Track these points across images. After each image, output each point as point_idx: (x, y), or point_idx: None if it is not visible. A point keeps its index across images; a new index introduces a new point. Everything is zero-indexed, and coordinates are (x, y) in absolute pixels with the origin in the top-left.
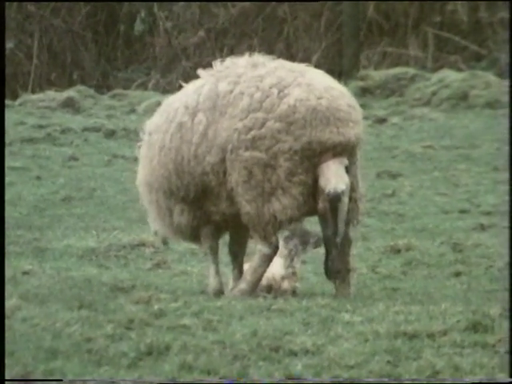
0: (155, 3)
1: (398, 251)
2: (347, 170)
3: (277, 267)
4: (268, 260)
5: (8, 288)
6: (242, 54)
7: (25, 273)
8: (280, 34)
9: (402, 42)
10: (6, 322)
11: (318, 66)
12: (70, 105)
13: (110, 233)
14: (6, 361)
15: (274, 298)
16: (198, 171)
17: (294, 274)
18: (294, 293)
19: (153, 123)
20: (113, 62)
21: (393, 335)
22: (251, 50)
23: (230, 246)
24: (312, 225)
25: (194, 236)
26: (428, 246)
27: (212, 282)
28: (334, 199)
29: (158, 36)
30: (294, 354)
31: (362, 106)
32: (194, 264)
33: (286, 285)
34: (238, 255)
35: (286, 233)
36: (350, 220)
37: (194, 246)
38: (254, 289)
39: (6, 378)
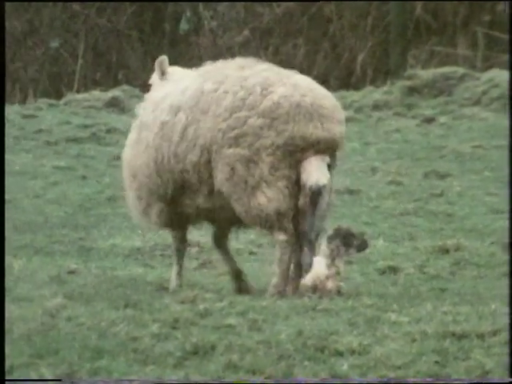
0: (200, 3)
1: (447, 251)
2: (329, 167)
3: (321, 266)
4: (289, 246)
5: (53, 287)
6: (287, 53)
7: (70, 272)
8: (325, 33)
9: (451, 41)
10: (51, 320)
11: (363, 65)
12: (115, 104)
13: (155, 232)
14: (51, 360)
15: (319, 298)
16: (177, 169)
17: (337, 273)
18: (338, 292)
19: (144, 117)
20: None
21: (441, 335)
22: (296, 49)
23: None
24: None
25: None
26: (477, 246)
27: (172, 283)
28: (315, 193)
29: (203, 35)
30: (339, 353)
31: (409, 105)
32: (238, 264)
33: (330, 284)
34: (223, 248)
35: (330, 232)
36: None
37: (237, 246)
38: (286, 278)
39: (50, 376)
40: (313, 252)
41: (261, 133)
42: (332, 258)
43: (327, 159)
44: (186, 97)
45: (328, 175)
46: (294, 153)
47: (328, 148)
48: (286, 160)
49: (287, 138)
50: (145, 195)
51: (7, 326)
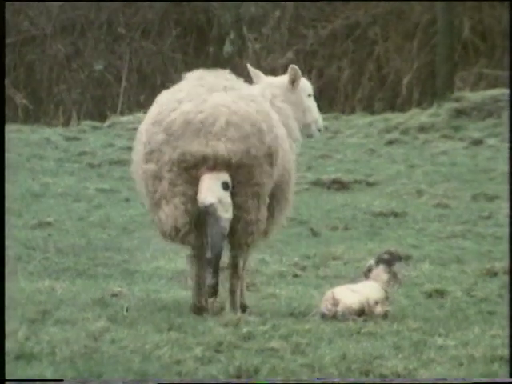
0: (244, 25)
1: (495, 274)
2: (226, 185)
3: (372, 291)
4: (193, 259)
5: (96, 310)
6: (331, 75)
7: (113, 295)
8: (370, 55)
9: (500, 63)
10: (94, 343)
11: (409, 87)
12: None
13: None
14: (94, 383)
15: (364, 322)
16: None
17: (387, 298)
18: (384, 316)
19: None
20: None
21: (489, 359)
22: (340, 71)
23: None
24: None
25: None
26: None
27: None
28: (203, 212)
29: (247, 58)
30: (384, 377)
31: (457, 127)
32: (282, 286)
33: (378, 309)
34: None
35: (385, 256)
36: (238, 243)
37: (281, 268)
38: (197, 290)
39: None
40: (214, 272)
41: (163, 148)
42: (399, 282)
43: (223, 177)
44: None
45: (219, 194)
46: (189, 169)
47: (219, 165)
48: (182, 176)
49: (179, 155)
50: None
51: (50, 348)
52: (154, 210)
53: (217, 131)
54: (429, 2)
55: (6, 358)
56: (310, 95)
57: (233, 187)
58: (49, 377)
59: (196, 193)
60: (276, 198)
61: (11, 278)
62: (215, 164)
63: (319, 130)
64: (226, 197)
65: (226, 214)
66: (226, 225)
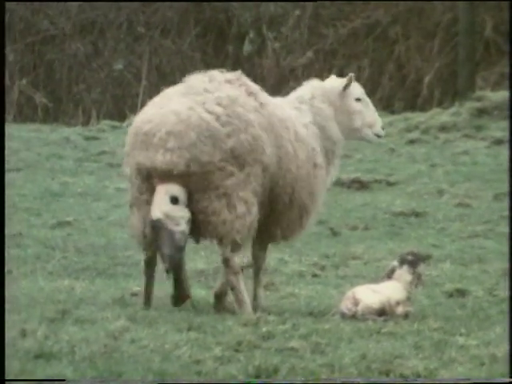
0: (264, 24)
1: None
2: (174, 199)
3: (394, 291)
4: (144, 265)
5: (116, 309)
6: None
7: (133, 294)
8: (391, 54)
9: None
10: (114, 343)
11: (430, 86)
12: None
13: (218, 254)
14: (114, 382)
15: (384, 321)
16: None
17: (408, 298)
18: (405, 316)
19: None
20: None
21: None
22: (360, 70)
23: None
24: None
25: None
26: None
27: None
28: (151, 226)
29: (267, 57)
30: (404, 377)
31: (478, 127)
32: (301, 286)
33: (400, 310)
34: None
35: (408, 257)
36: (224, 243)
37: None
38: (146, 293)
39: None
40: (175, 283)
41: (130, 154)
42: (421, 283)
43: (172, 189)
44: None
45: (166, 208)
46: (146, 178)
47: (167, 177)
48: (144, 184)
49: (135, 164)
50: None
51: (69, 347)
52: (130, 208)
53: (156, 143)
54: (450, 1)
55: (26, 357)
56: (358, 99)
57: (193, 193)
58: (68, 376)
59: None
60: (280, 200)
61: (30, 277)
62: (164, 176)
63: (378, 136)
64: (176, 210)
65: (177, 227)
66: (179, 237)
